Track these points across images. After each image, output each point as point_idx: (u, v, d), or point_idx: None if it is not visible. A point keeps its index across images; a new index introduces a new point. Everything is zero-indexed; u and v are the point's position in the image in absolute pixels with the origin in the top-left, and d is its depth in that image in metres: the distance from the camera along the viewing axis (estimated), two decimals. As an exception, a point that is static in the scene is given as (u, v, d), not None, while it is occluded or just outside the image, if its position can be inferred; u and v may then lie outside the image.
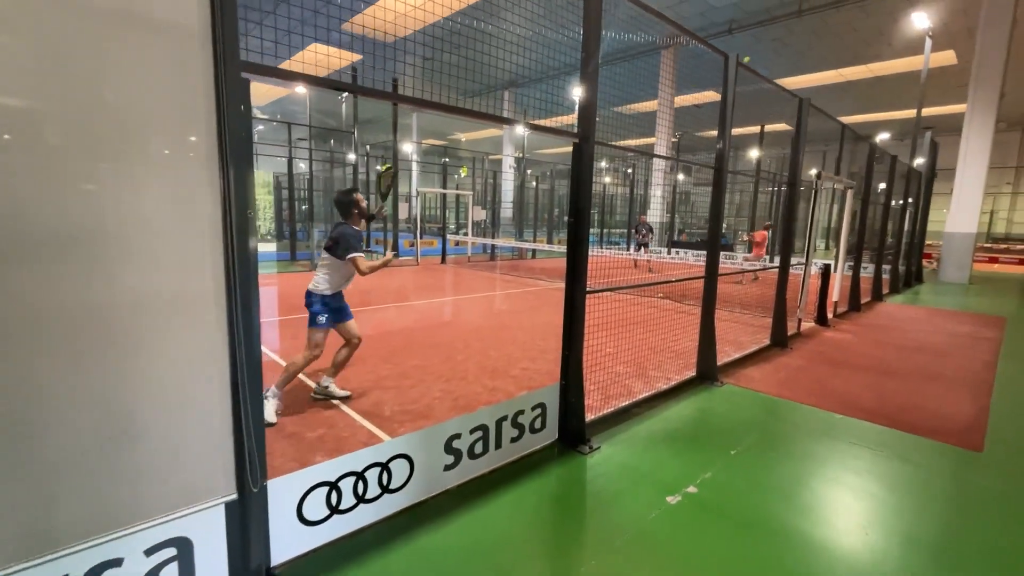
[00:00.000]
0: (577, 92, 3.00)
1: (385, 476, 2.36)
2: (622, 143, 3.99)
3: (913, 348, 6.24)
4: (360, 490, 2.28)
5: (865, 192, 8.16)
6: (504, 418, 2.89)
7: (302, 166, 17.33)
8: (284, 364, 3.75)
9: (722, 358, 5.21)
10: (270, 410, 3.40)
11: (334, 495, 2.19)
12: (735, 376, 4.84)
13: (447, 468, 2.64)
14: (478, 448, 2.78)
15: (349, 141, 14.63)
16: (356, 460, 2.25)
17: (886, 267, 11.34)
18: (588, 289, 3.15)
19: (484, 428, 2.79)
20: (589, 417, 3.51)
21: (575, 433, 3.23)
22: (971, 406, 4.28)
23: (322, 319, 3.62)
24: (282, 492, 2.03)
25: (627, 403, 3.87)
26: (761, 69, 5.18)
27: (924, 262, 16.60)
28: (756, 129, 20.85)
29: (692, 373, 4.68)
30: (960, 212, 13.14)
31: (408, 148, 31.77)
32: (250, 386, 1.81)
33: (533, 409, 3.07)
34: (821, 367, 5.27)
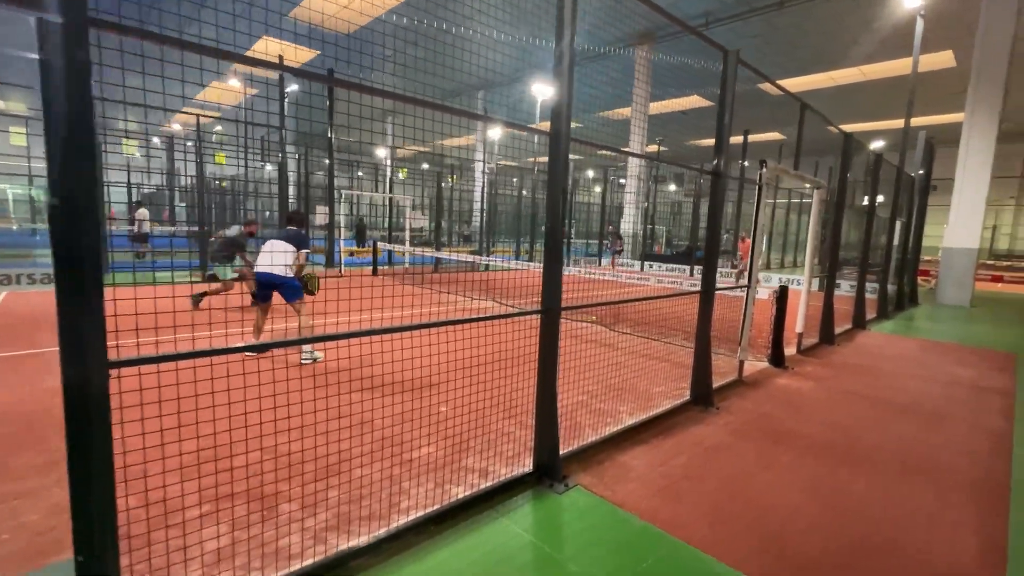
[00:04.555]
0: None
1: None
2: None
3: (897, 406, 4.48)
4: None
5: (839, 194, 6.45)
6: None
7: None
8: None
9: (598, 428, 3.45)
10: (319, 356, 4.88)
11: None
12: (601, 468, 3.06)
13: None
14: None
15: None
16: None
17: (875, 286, 9.61)
18: (116, 360, 1.41)
19: None
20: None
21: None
22: (975, 540, 2.53)
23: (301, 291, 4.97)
24: None
25: (367, 540, 2.11)
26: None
27: (921, 280, 14.88)
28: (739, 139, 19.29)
29: (530, 465, 2.93)
30: (960, 225, 11.44)
31: (382, 152, 30.36)
32: None
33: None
34: (751, 446, 3.51)
